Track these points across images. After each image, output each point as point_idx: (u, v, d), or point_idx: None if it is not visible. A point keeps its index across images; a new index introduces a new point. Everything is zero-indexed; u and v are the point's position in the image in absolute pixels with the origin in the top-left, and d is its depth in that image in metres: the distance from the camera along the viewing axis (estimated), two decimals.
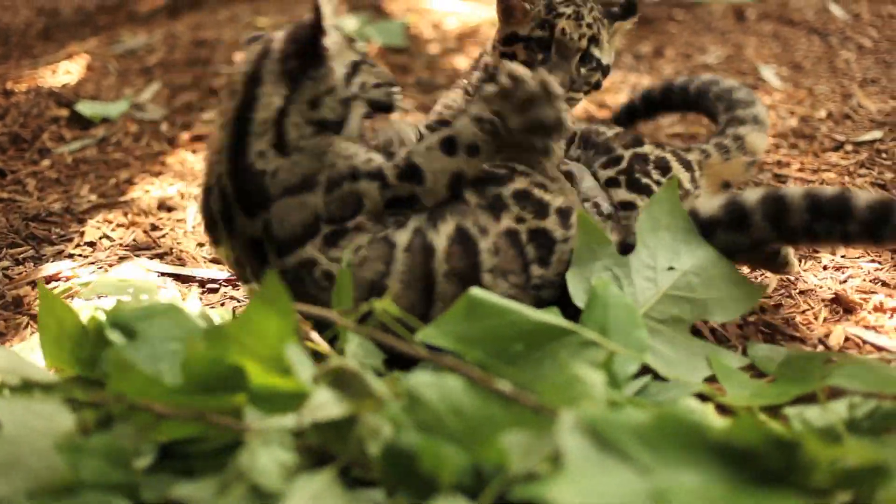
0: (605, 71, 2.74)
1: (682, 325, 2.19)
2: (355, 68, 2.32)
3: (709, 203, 2.32)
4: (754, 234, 2.27)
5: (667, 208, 2.29)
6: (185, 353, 1.66)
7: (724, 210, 2.29)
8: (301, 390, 1.58)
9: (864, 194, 2.18)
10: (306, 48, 2.24)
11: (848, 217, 2.16)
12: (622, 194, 2.63)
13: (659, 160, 2.74)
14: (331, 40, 2.26)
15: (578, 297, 2.16)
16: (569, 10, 2.65)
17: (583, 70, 2.67)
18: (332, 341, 1.90)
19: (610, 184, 2.67)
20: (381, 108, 2.40)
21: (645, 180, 2.65)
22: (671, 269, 2.24)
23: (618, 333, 1.98)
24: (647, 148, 2.77)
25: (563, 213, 2.30)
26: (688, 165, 2.78)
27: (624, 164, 2.69)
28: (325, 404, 1.51)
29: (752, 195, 2.27)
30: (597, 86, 2.75)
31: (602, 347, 1.83)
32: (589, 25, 2.64)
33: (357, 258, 2.15)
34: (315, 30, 2.23)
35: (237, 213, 2.17)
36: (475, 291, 1.84)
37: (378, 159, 2.26)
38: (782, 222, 2.23)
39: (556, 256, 2.26)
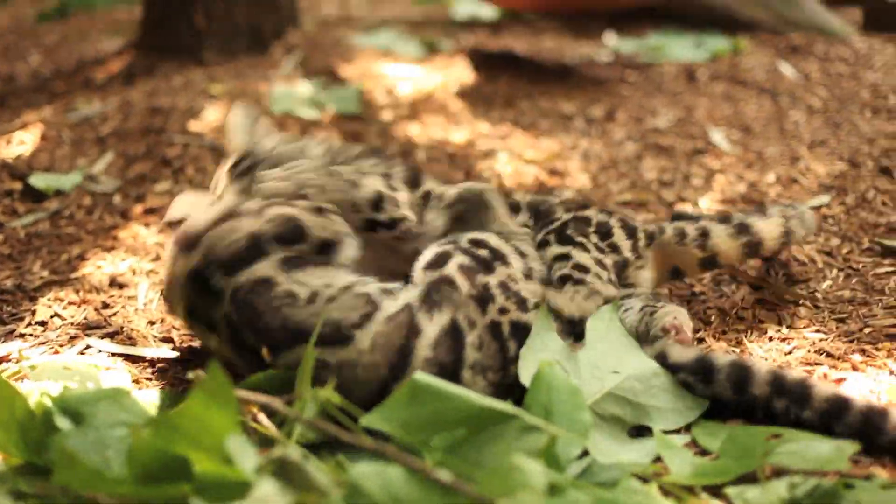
0: None
1: (622, 425, 2.25)
2: None
3: (681, 352, 2.38)
4: (715, 389, 2.32)
5: (604, 331, 2.42)
6: (131, 444, 1.67)
7: (694, 361, 2.35)
8: (244, 480, 1.58)
9: (825, 386, 2.23)
10: None
11: (806, 404, 2.20)
12: (553, 250, 2.69)
13: (601, 224, 2.80)
14: None
15: (525, 377, 2.20)
16: None
17: None
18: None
19: (542, 245, 2.72)
20: None
21: (579, 238, 2.72)
22: (616, 372, 2.32)
23: (561, 415, 2.01)
24: (590, 212, 2.83)
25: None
26: (632, 233, 2.82)
27: (557, 225, 2.76)
28: (269, 499, 1.52)
29: (723, 357, 2.34)
30: None
31: (544, 431, 1.85)
32: None
33: (326, 294, 2.19)
34: None
35: (177, 258, 2.26)
36: (419, 376, 1.86)
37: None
38: (744, 389, 2.28)
39: None
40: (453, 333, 2.23)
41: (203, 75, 6.24)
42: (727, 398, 2.31)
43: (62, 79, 6.62)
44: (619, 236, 2.79)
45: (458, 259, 2.37)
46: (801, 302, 2.99)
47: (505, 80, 6.25)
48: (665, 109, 5.51)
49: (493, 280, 2.35)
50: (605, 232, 2.77)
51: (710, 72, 6.18)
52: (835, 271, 3.19)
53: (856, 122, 4.97)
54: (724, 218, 2.99)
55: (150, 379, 2.68)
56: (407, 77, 6.20)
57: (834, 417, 2.16)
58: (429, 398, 1.85)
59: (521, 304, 2.36)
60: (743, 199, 3.98)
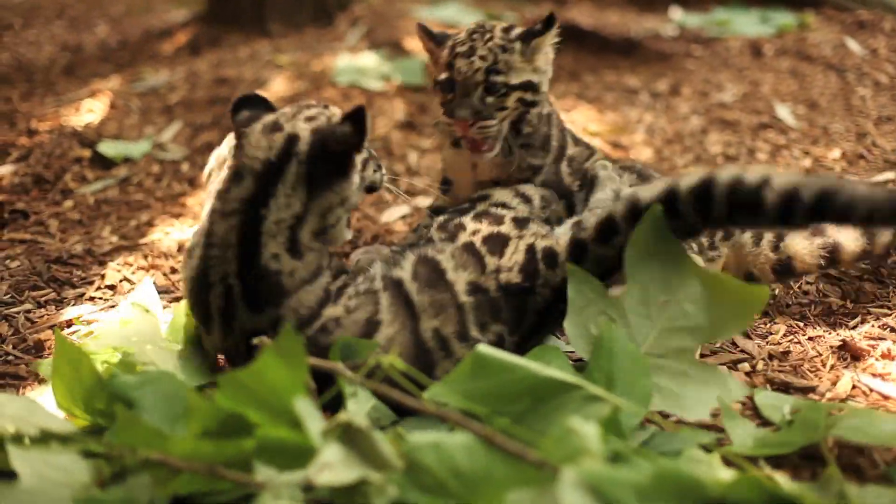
0: (529, 87, 2.78)
1: (686, 353, 2.22)
2: (365, 166, 2.40)
3: (649, 189, 2.36)
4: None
5: (653, 235, 2.29)
6: (189, 403, 1.70)
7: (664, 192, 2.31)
8: (309, 445, 1.60)
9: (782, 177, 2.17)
10: (336, 158, 2.27)
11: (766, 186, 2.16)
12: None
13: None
14: (361, 156, 2.33)
15: (579, 347, 2.22)
16: (463, 49, 2.73)
17: (490, 99, 2.71)
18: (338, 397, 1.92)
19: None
20: (372, 189, 2.50)
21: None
22: (665, 301, 2.26)
23: (623, 383, 2.02)
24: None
25: (518, 221, 2.54)
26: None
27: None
28: (334, 465, 1.54)
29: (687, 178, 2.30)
30: (531, 104, 2.82)
31: (607, 401, 1.85)
32: (483, 57, 2.69)
33: (352, 305, 2.23)
34: (353, 146, 2.26)
35: (241, 310, 2.19)
36: (482, 349, 1.87)
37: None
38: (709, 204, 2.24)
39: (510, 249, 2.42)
40: (422, 261, 2.39)
41: (269, 46, 6.29)
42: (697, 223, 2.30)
43: (128, 49, 6.70)
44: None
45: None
46: (864, 277, 2.96)
47: (570, 54, 6.23)
48: (730, 84, 5.48)
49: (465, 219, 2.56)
50: None
51: (775, 47, 6.12)
52: None
53: None
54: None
55: None
56: None
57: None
58: (492, 370, 1.86)
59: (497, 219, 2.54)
60: (808, 173, 3.94)
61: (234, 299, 2.18)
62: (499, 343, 2.30)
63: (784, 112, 4.85)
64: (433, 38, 2.85)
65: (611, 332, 2.13)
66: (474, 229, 2.47)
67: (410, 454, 1.55)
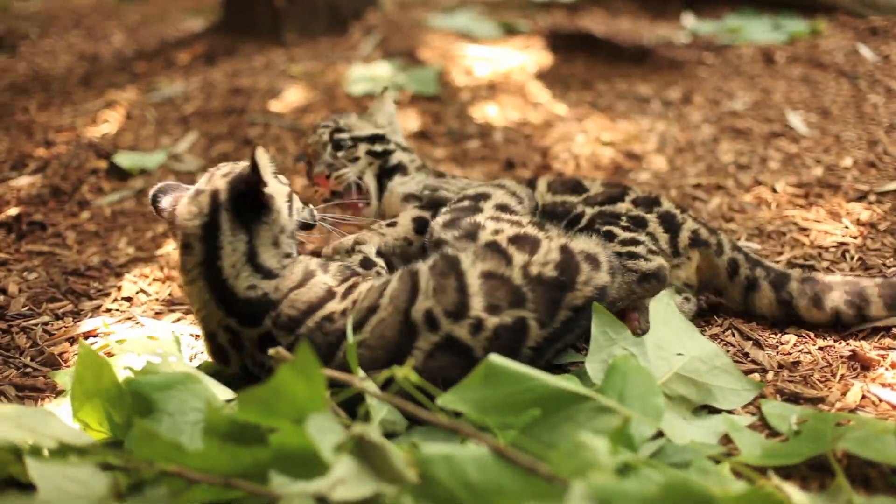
0: (371, 139, 3.16)
1: (688, 405, 2.29)
2: (290, 198, 2.58)
3: None
4: None
5: (663, 310, 2.49)
6: (207, 416, 1.72)
7: None
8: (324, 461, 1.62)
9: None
10: (252, 196, 2.43)
11: None
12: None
13: (634, 218, 2.88)
14: (271, 188, 2.45)
15: (596, 378, 2.31)
16: (313, 133, 3.19)
17: (339, 153, 3.11)
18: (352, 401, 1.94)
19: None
20: (307, 227, 2.69)
21: (606, 228, 2.81)
22: (680, 354, 2.38)
23: (635, 399, 2.03)
24: (622, 206, 2.92)
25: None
26: (671, 225, 2.90)
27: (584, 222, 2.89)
28: (348, 480, 1.56)
29: None
30: (381, 154, 3.17)
31: (617, 413, 1.87)
32: (325, 126, 3.17)
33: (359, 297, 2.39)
34: (256, 184, 2.41)
35: (244, 332, 2.41)
36: (493, 359, 1.88)
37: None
38: None
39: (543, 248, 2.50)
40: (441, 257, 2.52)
41: (283, 56, 6.32)
42: None
43: (144, 59, 6.73)
44: (656, 228, 2.87)
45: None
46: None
47: (582, 62, 6.25)
48: (742, 92, 5.48)
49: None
50: (638, 222, 2.87)
51: (787, 54, 6.12)
52: None
53: None
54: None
55: None
56: (484, 58, 6.23)
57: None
58: (503, 380, 1.87)
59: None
60: (819, 182, 3.95)
61: (236, 331, 2.42)
62: (520, 329, 2.33)
63: (796, 120, 4.85)
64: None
65: (626, 359, 2.15)
66: (496, 228, 2.54)
67: (422, 467, 1.57)
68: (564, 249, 2.46)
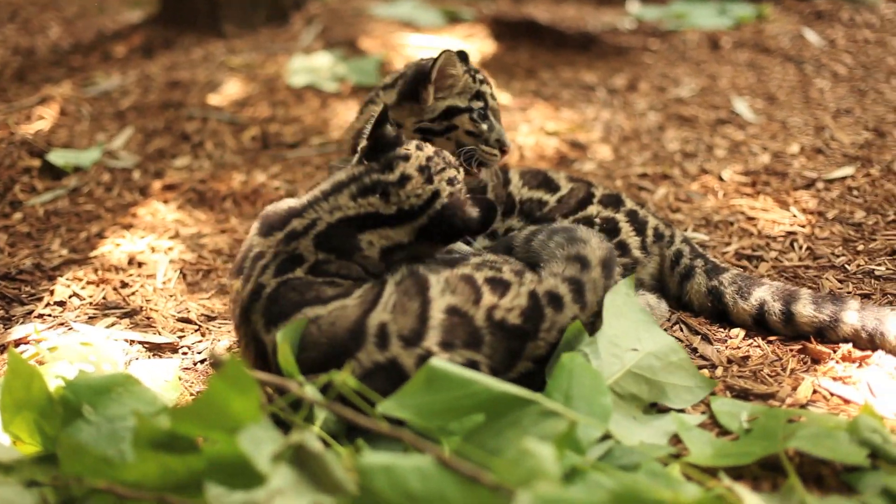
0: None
1: (639, 403, 2.22)
2: None
3: None
4: None
5: (620, 303, 2.38)
6: (136, 428, 1.65)
7: None
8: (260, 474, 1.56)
9: None
10: None
11: None
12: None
13: (606, 220, 2.85)
14: None
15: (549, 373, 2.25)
16: (483, 75, 3.01)
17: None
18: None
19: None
20: None
21: None
22: (634, 350, 2.29)
23: (581, 399, 1.99)
24: (592, 209, 2.89)
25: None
26: (641, 229, 2.86)
27: None
28: (286, 491, 1.50)
29: None
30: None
31: (563, 416, 1.82)
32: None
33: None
34: None
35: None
36: (435, 363, 1.83)
37: None
38: None
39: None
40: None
41: (223, 48, 6.23)
42: None
43: (81, 52, 6.60)
44: (628, 232, 2.87)
45: None
46: (825, 276, 2.94)
47: (526, 50, 6.21)
48: (688, 78, 5.47)
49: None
50: (611, 229, 2.85)
51: (733, 39, 6.13)
52: (860, 244, 3.15)
53: (882, 90, 4.92)
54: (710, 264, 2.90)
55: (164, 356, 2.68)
56: (427, 47, 6.16)
57: None
58: (445, 384, 1.82)
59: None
60: (766, 170, 3.93)
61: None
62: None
63: (742, 106, 4.84)
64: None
65: (572, 357, 2.10)
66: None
67: (363, 478, 1.51)
68: (532, 296, 2.33)
